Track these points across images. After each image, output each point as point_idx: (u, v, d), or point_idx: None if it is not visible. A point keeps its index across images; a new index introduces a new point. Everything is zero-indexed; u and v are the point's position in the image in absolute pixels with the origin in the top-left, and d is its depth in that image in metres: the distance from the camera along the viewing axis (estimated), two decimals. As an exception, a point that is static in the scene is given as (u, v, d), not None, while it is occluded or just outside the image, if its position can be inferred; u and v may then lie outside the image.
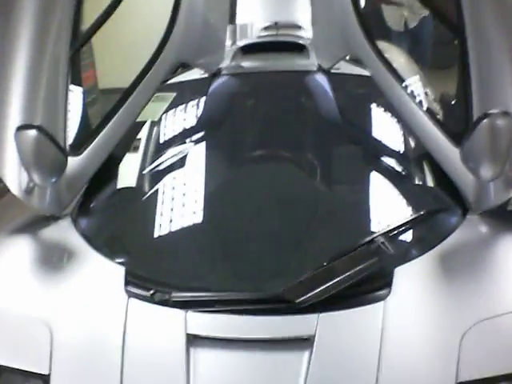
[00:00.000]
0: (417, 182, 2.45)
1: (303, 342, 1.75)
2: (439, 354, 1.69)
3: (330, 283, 1.82)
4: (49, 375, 1.73)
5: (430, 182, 2.39)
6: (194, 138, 2.62)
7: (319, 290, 1.80)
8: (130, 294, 1.90)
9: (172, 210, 2.29)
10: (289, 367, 1.71)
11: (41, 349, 1.78)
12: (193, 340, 1.77)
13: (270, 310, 1.82)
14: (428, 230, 2.14)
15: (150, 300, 1.88)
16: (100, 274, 2.01)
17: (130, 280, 1.95)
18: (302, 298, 1.79)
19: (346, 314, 1.80)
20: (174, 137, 2.67)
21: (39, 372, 1.74)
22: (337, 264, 1.88)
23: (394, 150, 2.56)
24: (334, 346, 1.74)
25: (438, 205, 2.24)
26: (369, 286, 1.86)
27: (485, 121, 1.96)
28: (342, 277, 1.83)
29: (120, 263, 2.04)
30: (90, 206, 2.39)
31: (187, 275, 2.05)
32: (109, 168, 2.47)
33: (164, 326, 1.83)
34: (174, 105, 2.80)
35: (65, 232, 2.22)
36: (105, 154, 2.41)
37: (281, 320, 1.80)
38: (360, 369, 1.69)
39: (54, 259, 2.09)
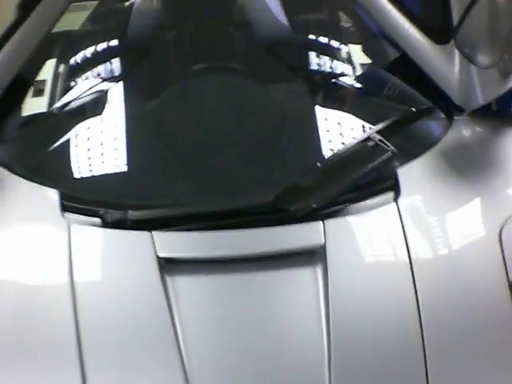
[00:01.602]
0: (394, 88, 2.14)
1: (311, 255, 1.40)
2: (481, 252, 1.44)
3: (331, 186, 1.49)
4: None
5: (408, 88, 2.10)
6: (125, 48, 2.18)
7: (319, 193, 1.47)
8: (71, 221, 1.47)
9: (103, 121, 1.85)
10: (300, 286, 1.36)
11: None
12: (166, 265, 1.37)
13: (261, 221, 1.45)
14: (417, 136, 1.85)
15: (101, 224, 1.46)
16: (28, 202, 1.55)
17: (68, 204, 1.52)
18: (299, 205, 1.44)
19: (357, 219, 1.47)
20: (101, 47, 2.19)
21: None
22: (332, 166, 1.56)
23: (362, 53, 2.25)
24: (351, 254, 1.40)
25: (421, 107, 1.94)
26: (373, 188, 1.56)
27: None
28: (341, 179, 1.52)
29: (51, 186, 1.59)
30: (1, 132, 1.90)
31: (141, 192, 1.63)
32: (18, 89, 1.98)
33: (125, 253, 1.41)
34: (95, 12, 2.32)
35: None
36: (11, 72, 1.91)
37: (277, 231, 1.43)
38: (392, 276, 1.39)
39: None
